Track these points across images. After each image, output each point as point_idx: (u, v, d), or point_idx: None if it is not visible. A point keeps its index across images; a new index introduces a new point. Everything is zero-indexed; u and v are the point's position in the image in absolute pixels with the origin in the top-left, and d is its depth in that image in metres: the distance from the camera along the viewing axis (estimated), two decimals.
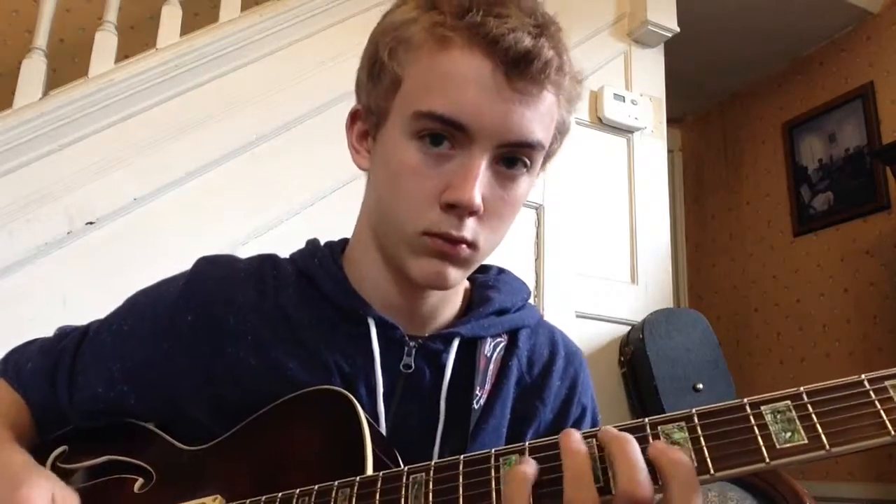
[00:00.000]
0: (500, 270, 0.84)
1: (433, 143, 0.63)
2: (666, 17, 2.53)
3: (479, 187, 0.62)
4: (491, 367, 0.74)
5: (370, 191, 0.73)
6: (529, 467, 0.50)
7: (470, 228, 0.64)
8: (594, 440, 0.50)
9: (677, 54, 2.67)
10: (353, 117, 0.74)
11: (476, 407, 0.71)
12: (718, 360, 2.17)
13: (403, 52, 0.66)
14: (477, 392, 0.71)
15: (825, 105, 3.28)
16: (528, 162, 0.66)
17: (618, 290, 2.27)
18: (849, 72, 3.22)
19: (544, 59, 0.62)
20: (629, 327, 2.21)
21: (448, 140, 0.63)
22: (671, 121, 3.27)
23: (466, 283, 0.80)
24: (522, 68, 0.62)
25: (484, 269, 0.83)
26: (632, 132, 2.44)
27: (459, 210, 0.63)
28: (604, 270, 2.27)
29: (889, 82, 3.03)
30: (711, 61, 3.42)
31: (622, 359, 2.18)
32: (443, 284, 0.67)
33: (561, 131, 0.70)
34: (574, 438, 0.50)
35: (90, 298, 1.53)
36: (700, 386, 2.09)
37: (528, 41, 0.62)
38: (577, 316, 2.17)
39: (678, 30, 2.55)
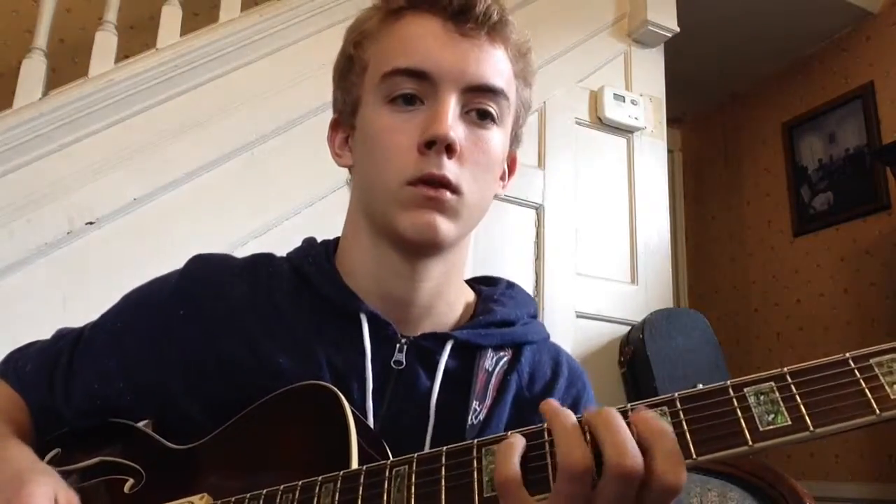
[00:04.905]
0: (510, 285, 0.84)
1: (405, 102, 0.69)
2: (666, 17, 2.53)
3: (450, 121, 0.67)
4: (492, 381, 0.74)
5: (356, 180, 0.76)
6: (518, 439, 0.50)
7: (450, 169, 0.67)
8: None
9: (677, 54, 2.67)
10: (334, 127, 0.79)
11: (475, 422, 0.70)
12: (718, 360, 2.17)
13: (366, 40, 0.74)
14: (476, 407, 0.71)
15: (825, 105, 3.28)
16: (495, 112, 0.71)
17: (618, 290, 2.27)
18: (849, 72, 3.21)
19: (484, 6, 0.70)
20: (629, 327, 2.21)
21: (417, 95, 0.69)
22: (671, 121, 3.27)
23: (472, 296, 0.81)
24: (467, 14, 0.70)
25: (493, 282, 0.84)
26: (632, 132, 2.44)
27: (437, 146, 0.66)
28: (604, 270, 2.27)
29: (889, 82, 3.03)
30: (711, 61, 3.41)
31: (622, 359, 2.18)
32: (434, 234, 0.67)
33: (525, 106, 0.77)
34: (554, 403, 0.50)
35: (90, 298, 1.53)
36: (700, 386, 2.08)
37: None
38: (578, 316, 2.17)
39: (678, 30, 2.55)
